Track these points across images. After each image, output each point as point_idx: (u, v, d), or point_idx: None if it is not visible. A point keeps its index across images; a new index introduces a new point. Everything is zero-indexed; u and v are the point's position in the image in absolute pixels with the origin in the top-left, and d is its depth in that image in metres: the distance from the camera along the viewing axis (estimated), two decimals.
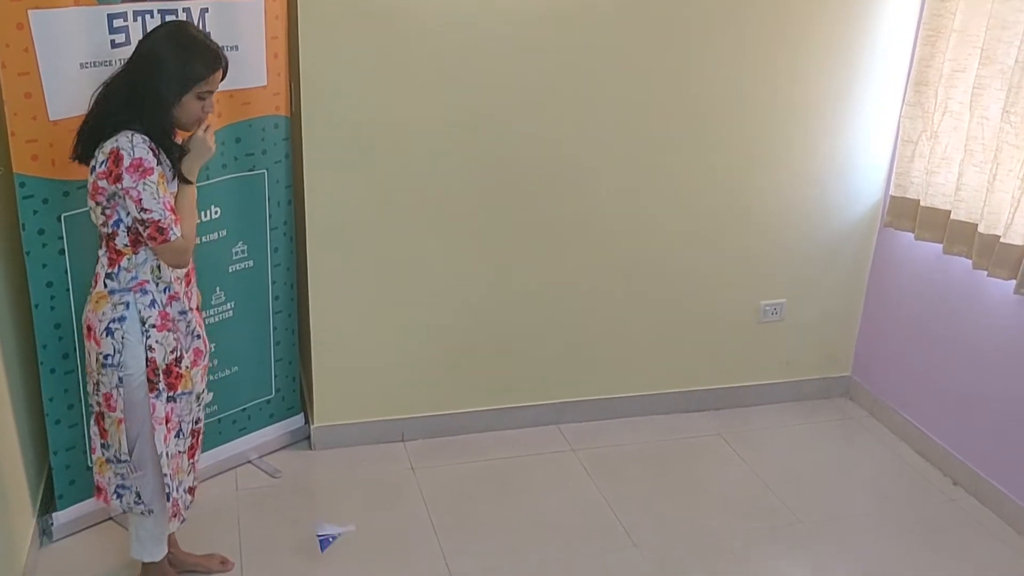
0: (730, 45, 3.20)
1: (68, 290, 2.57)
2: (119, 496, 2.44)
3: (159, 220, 2.14)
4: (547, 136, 3.15)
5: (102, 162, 2.14)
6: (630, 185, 3.29)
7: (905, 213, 3.37)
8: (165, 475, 2.35)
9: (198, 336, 2.41)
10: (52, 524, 2.74)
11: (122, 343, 2.23)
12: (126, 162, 2.10)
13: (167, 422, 2.33)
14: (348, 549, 2.80)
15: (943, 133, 3.16)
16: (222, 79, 2.26)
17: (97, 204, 2.19)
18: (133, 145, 2.12)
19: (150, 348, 2.25)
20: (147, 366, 2.26)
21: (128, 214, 2.17)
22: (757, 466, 3.33)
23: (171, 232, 2.17)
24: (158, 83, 2.16)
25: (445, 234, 3.18)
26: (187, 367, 2.35)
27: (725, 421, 3.62)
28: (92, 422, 2.41)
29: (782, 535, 2.97)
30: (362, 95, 2.94)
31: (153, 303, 2.25)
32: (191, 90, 2.18)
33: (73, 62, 2.39)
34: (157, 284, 2.27)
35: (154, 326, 2.25)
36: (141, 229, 2.17)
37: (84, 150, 2.20)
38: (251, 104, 2.83)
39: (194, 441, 2.48)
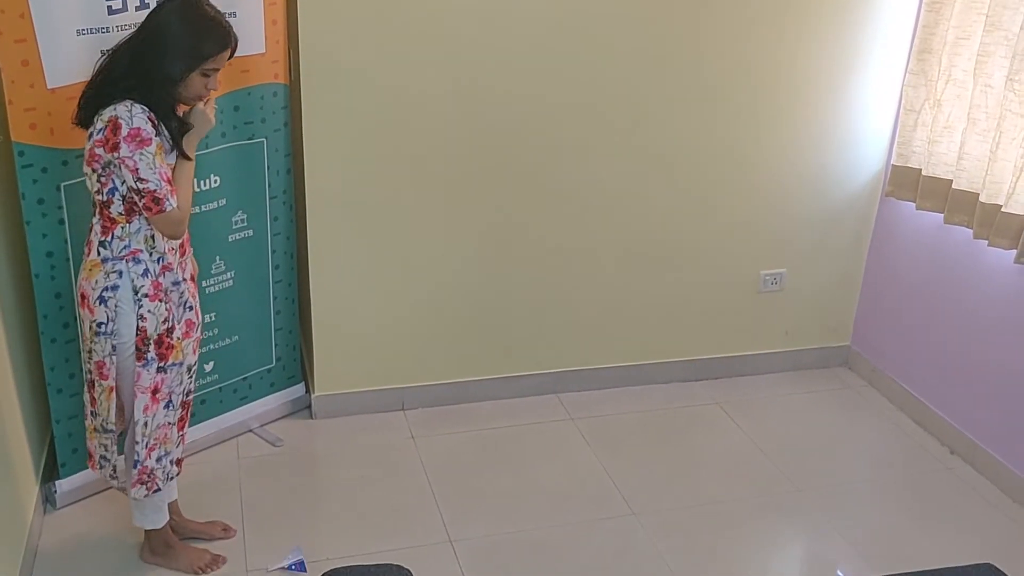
0: (733, 13, 3.17)
1: (68, 260, 2.57)
2: (101, 467, 2.49)
3: (155, 190, 2.14)
4: (548, 104, 3.13)
5: (100, 130, 2.13)
6: (630, 154, 3.28)
7: (906, 183, 3.36)
8: (137, 443, 2.36)
9: (190, 307, 2.41)
10: (55, 492, 2.76)
11: (115, 311, 2.24)
12: (124, 131, 2.10)
13: (155, 392, 2.33)
14: (349, 518, 2.82)
15: (946, 102, 3.14)
16: (230, 57, 2.25)
17: (93, 171, 2.18)
18: (132, 115, 2.11)
19: (141, 317, 2.25)
20: (137, 335, 2.26)
21: (123, 183, 2.16)
22: (755, 435, 3.35)
23: (167, 203, 2.16)
24: (165, 58, 2.15)
25: (445, 203, 3.17)
26: (179, 338, 2.35)
27: (724, 390, 3.63)
28: (85, 389, 2.42)
29: (780, 504, 2.99)
30: (362, 62, 2.92)
31: (146, 272, 2.25)
32: (198, 68, 2.18)
33: (70, 29, 2.37)
34: (151, 254, 2.26)
35: (146, 295, 2.25)
36: (137, 199, 2.16)
37: (85, 116, 2.19)
38: (250, 72, 2.81)
39: (184, 413, 2.47)
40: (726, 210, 3.46)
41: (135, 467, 2.39)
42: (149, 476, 2.41)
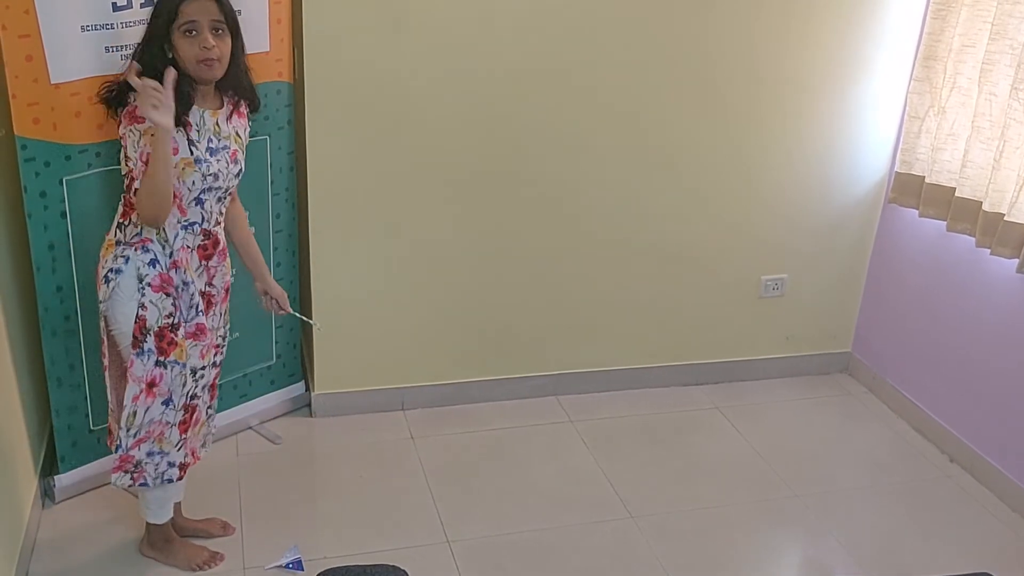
0: (738, 18, 3.17)
1: (70, 253, 2.57)
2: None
3: (133, 168, 2.18)
4: (550, 105, 3.13)
5: (113, 116, 2.21)
6: (633, 158, 3.28)
7: (910, 189, 3.35)
8: (122, 429, 2.33)
9: (201, 312, 2.35)
10: (54, 486, 2.77)
11: (111, 294, 2.24)
12: (127, 108, 2.16)
13: (152, 386, 2.30)
14: (347, 517, 2.82)
15: (950, 109, 3.14)
16: (220, 11, 2.17)
17: (122, 150, 2.21)
18: (135, 96, 2.13)
19: (142, 306, 2.24)
20: (135, 323, 2.24)
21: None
22: (754, 440, 3.35)
23: (137, 182, 2.17)
24: (148, 27, 2.18)
25: (446, 203, 3.17)
26: (183, 336, 2.31)
27: (724, 395, 3.63)
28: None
29: (778, 509, 2.99)
30: (366, 61, 2.92)
31: (153, 262, 2.24)
32: (173, 29, 2.14)
33: (74, 25, 2.37)
34: (163, 246, 2.25)
35: (150, 284, 2.24)
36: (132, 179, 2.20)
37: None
38: (254, 70, 2.77)
39: (187, 416, 2.41)
40: (728, 215, 3.46)
41: (116, 451, 2.37)
42: (135, 467, 2.38)
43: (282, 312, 2.67)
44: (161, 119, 2.08)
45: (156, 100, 2.07)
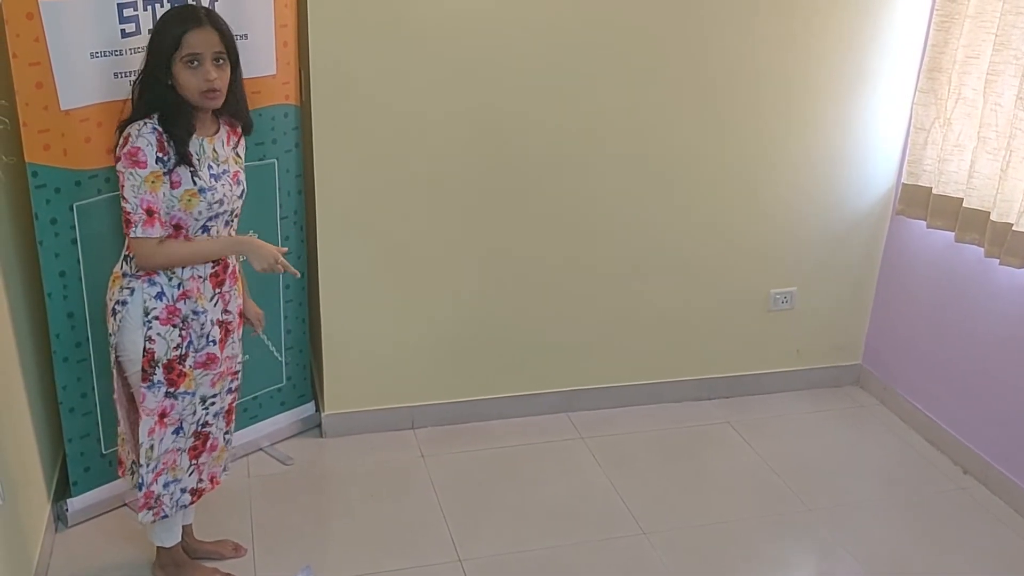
0: (742, 33, 3.18)
1: (81, 279, 2.59)
2: (132, 472, 2.49)
3: (130, 212, 2.13)
4: (557, 124, 3.14)
5: (117, 143, 2.16)
6: (640, 174, 3.29)
7: (917, 201, 3.35)
8: (142, 465, 2.35)
9: (213, 342, 2.35)
10: (67, 510, 2.77)
11: (120, 326, 2.25)
12: (127, 147, 2.12)
13: (163, 416, 2.31)
14: (358, 537, 2.82)
15: (956, 120, 3.14)
16: (221, 42, 2.15)
17: (120, 186, 2.18)
18: (139, 133, 2.12)
19: (149, 339, 2.24)
20: (143, 356, 2.25)
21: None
22: (766, 454, 3.34)
23: (133, 228, 2.13)
24: (149, 61, 2.16)
25: (455, 222, 3.18)
26: (191, 367, 2.31)
27: (735, 409, 3.62)
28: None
29: (791, 523, 2.98)
30: (373, 83, 2.94)
31: (160, 295, 2.24)
32: (175, 59, 2.12)
33: (83, 52, 2.40)
34: (169, 278, 2.25)
35: (157, 318, 2.24)
36: (123, 215, 2.17)
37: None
38: (261, 93, 2.83)
39: (198, 443, 2.42)
40: (736, 229, 3.46)
41: (140, 489, 2.39)
42: (156, 501, 2.39)
43: (254, 334, 2.69)
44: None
45: (273, 268, 2.25)
